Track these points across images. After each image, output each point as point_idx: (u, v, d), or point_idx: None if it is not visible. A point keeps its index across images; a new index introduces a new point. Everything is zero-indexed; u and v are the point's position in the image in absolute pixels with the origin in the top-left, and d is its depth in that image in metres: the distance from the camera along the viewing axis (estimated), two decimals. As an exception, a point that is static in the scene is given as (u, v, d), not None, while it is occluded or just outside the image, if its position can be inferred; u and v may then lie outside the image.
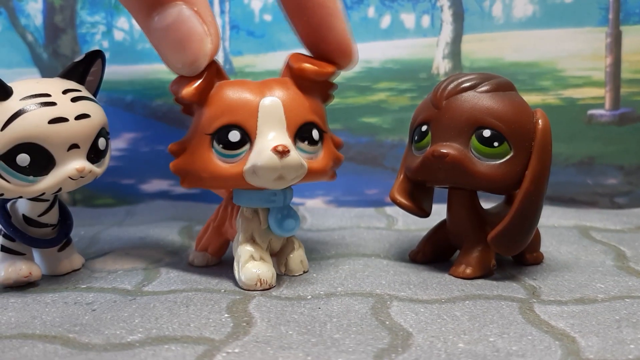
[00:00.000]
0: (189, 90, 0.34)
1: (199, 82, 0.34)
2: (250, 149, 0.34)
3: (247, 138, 0.34)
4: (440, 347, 0.28)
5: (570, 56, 0.57)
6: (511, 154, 0.36)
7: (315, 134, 0.35)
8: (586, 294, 0.35)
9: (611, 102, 0.58)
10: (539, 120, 0.36)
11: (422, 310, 0.32)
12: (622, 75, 0.57)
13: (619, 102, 0.58)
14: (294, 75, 0.35)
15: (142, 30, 0.35)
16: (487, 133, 0.35)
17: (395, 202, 0.40)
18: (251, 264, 0.36)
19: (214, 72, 0.35)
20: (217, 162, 0.34)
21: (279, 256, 0.39)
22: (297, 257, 0.38)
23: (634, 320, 0.31)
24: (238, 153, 0.34)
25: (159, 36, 0.33)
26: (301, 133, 0.35)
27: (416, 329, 0.30)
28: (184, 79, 0.34)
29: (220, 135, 0.34)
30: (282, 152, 0.33)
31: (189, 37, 0.33)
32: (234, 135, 0.34)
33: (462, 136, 0.36)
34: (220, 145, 0.34)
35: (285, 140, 0.34)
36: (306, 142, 0.35)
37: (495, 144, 0.35)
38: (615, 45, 0.57)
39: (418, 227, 0.51)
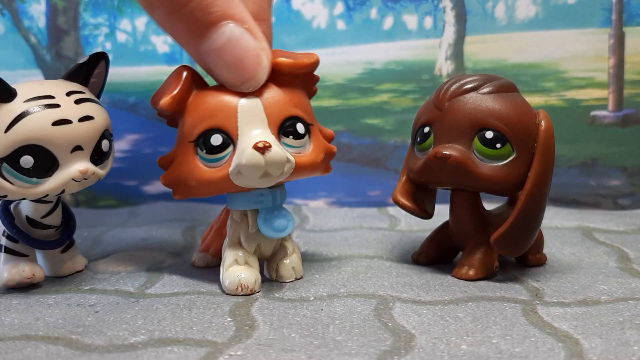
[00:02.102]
0: (165, 100, 0.34)
1: (175, 92, 0.34)
2: (234, 150, 0.33)
3: (230, 140, 0.33)
4: (443, 349, 0.28)
5: (573, 57, 0.57)
6: (514, 156, 0.36)
7: (300, 127, 0.35)
8: (589, 296, 0.35)
9: (614, 104, 0.57)
10: (542, 122, 0.36)
11: (424, 311, 0.32)
12: (625, 76, 0.57)
13: (622, 104, 0.57)
14: (271, 71, 0.35)
15: (191, 55, 0.35)
16: (489, 134, 0.35)
17: (397, 204, 0.40)
18: (235, 268, 0.35)
19: (190, 81, 0.34)
20: (203, 168, 0.34)
21: (270, 261, 0.38)
22: (289, 263, 0.37)
23: (638, 322, 0.31)
24: (222, 156, 0.34)
25: (213, 58, 0.33)
26: (285, 128, 0.34)
27: (419, 330, 0.30)
28: (163, 92, 0.35)
29: (202, 141, 0.34)
30: (263, 148, 0.32)
31: (244, 54, 0.33)
32: (216, 139, 0.33)
33: (464, 138, 0.36)
34: (204, 151, 0.34)
35: (266, 136, 0.33)
36: (291, 137, 0.35)
37: (498, 145, 0.35)
38: (619, 46, 0.57)
39: (420, 228, 0.51)
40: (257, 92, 0.34)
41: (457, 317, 0.32)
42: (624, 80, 0.57)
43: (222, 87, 0.35)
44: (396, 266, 0.41)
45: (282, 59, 0.35)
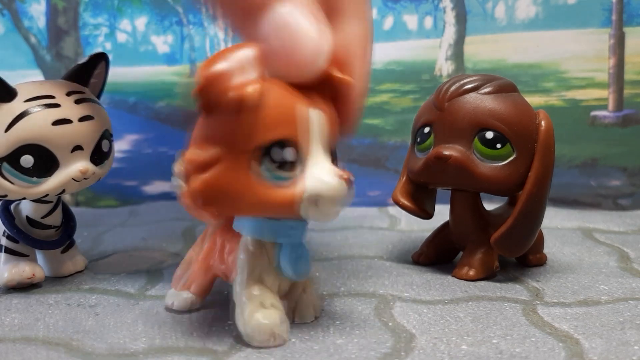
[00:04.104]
0: (255, 90, 0.26)
1: (257, 79, 0.27)
2: (302, 172, 0.27)
3: (299, 158, 0.27)
4: (443, 349, 0.28)
5: (573, 57, 0.57)
6: (514, 156, 0.35)
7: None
8: (590, 296, 0.35)
9: (614, 104, 0.57)
10: (542, 122, 0.36)
11: (425, 311, 0.32)
12: (625, 76, 0.57)
13: (622, 104, 0.57)
14: (330, 84, 0.29)
15: (246, 39, 0.30)
16: (489, 135, 0.35)
17: (397, 204, 0.40)
18: (261, 314, 0.28)
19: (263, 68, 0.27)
20: (265, 184, 0.27)
21: (287, 299, 0.31)
22: (309, 300, 0.31)
23: (638, 322, 0.31)
24: (291, 176, 0.27)
25: (269, 42, 0.29)
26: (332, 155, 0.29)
27: (419, 330, 0.30)
28: (227, 70, 0.26)
29: (272, 152, 0.27)
30: (348, 181, 0.27)
31: (302, 37, 0.28)
32: (289, 154, 0.27)
33: (464, 138, 0.36)
34: (275, 164, 0.27)
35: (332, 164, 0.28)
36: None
37: (498, 145, 0.35)
38: (619, 46, 0.57)
39: (421, 228, 0.50)
40: (321, 106, 0.28)
41: (457, 317, 0.32)
42: (624, 81, 0.57)
43: (286, 85, 0.28)
44: (396, 266, 0.40)
45: (341, 76, 0.29)
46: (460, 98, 0.36)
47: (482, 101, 0.36)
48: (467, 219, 0.38)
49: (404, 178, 0.40)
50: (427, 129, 0.37)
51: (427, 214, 0.40)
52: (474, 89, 0.36)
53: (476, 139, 0.35)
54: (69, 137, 0.34)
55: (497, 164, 0.36)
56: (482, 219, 0.38)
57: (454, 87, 0.36)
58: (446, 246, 0.41)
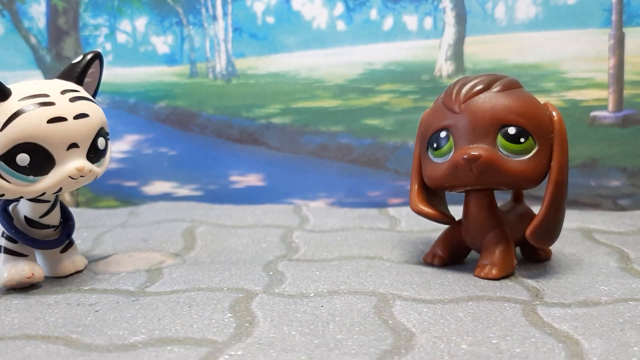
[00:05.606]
0: None
1: None
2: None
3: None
4: (443, 349, 0.28)
5: (573, 58, 0.57)
6: (536, 148, 0.36)
7: None
8: (590, 297, 0.35)
9: (614, 104, 0.57)
10: (553, 112, 0.37)
11: (425, 310, 0.32)
12: (625, 77, 0.57)
13: (622, 104, 0.57)
14: None
15: None
16: (512, 130, 0.36)
17: (421, 214, 0.39)
18: None
19: None
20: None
21: None
22: None
23: (638, 323, 0.31)
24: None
25: None
26: None
27: (419, 329, 0.30)
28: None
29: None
30: None
31: None
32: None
33: (487, 136, 0.36)
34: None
35: None
36: None
37: (522, 140, 0.36)
38: (619, 47, 0.57)
39: (421, 228, 0.50)
40: None
41: (457, 317, 0.32)
42: (624, 81, 0.57)
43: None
44: (396, 266, 0.40)
45: None
46: (475, 98, 0.36)
47: (498, 99, 0.36)
48: (484, 218, 0.38)
49: (416, 186, 0.40)
50: (443, 133, 0.37)
51: (450, 219, 0.40)
52: (487, 88, 0.36)
53: (499, 136, 0.36)
54: (64, 135, 0.34)
55: (522, 158, 0.36)
56: (498, 218, 0.39)
57: (465, 89, 0.36)
58: (458, 246, 0.41)
